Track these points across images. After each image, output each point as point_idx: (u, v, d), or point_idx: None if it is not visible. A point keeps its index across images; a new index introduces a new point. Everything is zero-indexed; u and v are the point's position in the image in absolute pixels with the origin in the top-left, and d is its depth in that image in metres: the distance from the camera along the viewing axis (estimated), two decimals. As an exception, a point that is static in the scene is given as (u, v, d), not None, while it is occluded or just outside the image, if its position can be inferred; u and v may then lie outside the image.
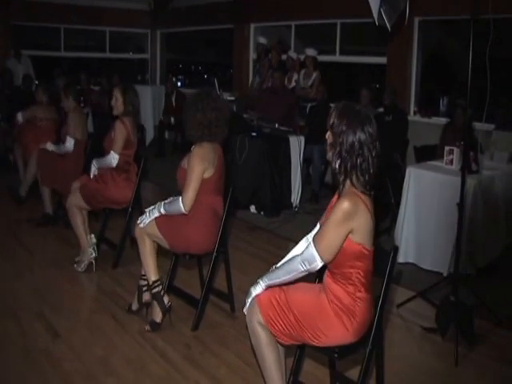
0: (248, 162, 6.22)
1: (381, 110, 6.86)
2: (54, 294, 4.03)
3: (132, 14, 11.31)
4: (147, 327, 3.49)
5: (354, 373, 2.77)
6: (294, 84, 7.80)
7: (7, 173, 7.05)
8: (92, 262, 4.42)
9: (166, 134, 10.06)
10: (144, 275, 3.56)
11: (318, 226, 2.55)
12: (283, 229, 5.65)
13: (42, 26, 10.81)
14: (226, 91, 8.84)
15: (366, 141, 2.21)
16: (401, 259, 4.54)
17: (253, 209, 6.26)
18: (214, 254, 3.51)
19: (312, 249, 2.27)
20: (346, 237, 2.23)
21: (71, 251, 4.67)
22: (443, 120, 6.44)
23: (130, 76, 11.83)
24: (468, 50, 3.34)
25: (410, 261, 4.64)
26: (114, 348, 3.30)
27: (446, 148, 4.70)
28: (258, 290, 2.48)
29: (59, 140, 5.48)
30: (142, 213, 3.59)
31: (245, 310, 2.52)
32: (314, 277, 2.63)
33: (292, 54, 8.18)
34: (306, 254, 2.30)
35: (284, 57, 8.24)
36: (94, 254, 4.42)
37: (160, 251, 3.63)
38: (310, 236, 2.58)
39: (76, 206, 4.35)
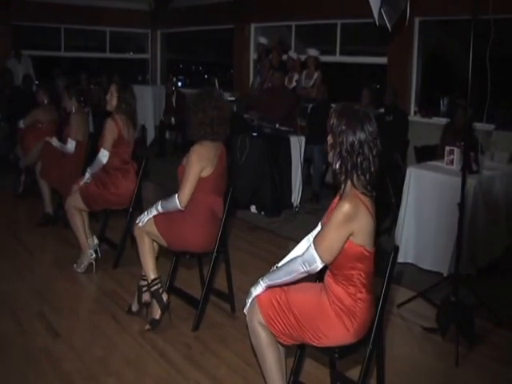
0: (248, 162, 6.22)
1: (381, 110, 6.86)
2: (54, 293, 4.03)
3: (132, 14, 11.30)
4: (147, 326, 3.49)
5: (354, 373, 2.77)
6: (294, 84, 7.80)
7: (7, 172, 7.07)
8: (92, 263, 4.42)
9: (167, 134, 10.08)
10: (144, 275, 3.55)
11: (319, 226, 2.55)
12: (284, 229, 5.65)
13: (42, 26, 10.81)
14: (226, 91, 8.84)
15: (367, 139, 2.21)
16: (401, 259, 4.53)
17: (253, 209, 6.26)
18: (215, 253, 3.51)
19: (312, 250, 2.27)
20: (347, 239, 2.23)
21: (71, 251, 4.67)
22: (443, 120, 6.43)
23: (131, 76, 11.83)
24: (468, 50, 3.33)
25: (410, 261, 4.63)
26: (114, 348, 3.30)
27: (447, 148, 4.70)
28: (258, 290, 2.48)
29: (60, 140, 5.48)
30: (142, 213, 3.60)
31: (245, 311, 2.52)
32: (314, 277, 2.63)
33: (292, 54, 8.18)
34: (306, 255, 2.30)
35: (284, 57, 8.24)
36: (93, 255, 4.42)
37: (161, 251, 3.63)
38: (311, 236, 2.58)
39: (75, 207, 4.34)
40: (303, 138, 6.38)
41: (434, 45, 7.77)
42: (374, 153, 2.23)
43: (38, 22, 10.58)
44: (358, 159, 2.22)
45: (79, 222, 4.36)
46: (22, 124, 6.15)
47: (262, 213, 6.15)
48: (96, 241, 4.50)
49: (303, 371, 2.90)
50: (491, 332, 3.59)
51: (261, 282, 2.48)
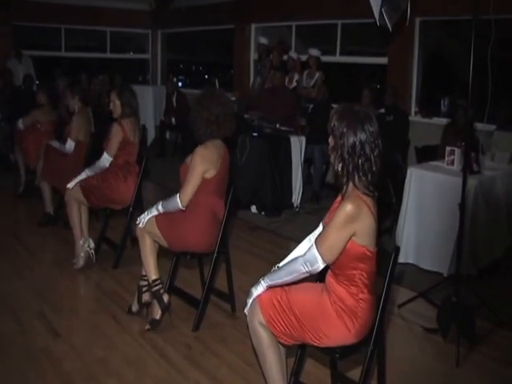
0: (249, 162, 6.22)
1: (382, 110, 6.85)
2: (54, 293, 4.03)
3: (133, 14, 11.30)
4: (147, 326, 3.49)
5: (355, 373, 2.77)
6: (294, 84, 7.80)
7: (8, 172, 7.07)
8: (90, 255, 4.45)
9: (167, 135, 10.07)
10: (144, 275, 3.55)
11: (320, 227, 2.55)
12: (284, 229, 5.65)
13: (42, 27, 10.81)
14: (226, 91, 8.82)
15: (368, 140, 2.21)
16: (401, 259, 4.53)
17: (254, 209, 6.26)
18: (215, 254, 3.51)
19: (314, 250, 2.27)
20: (349, 239, 2.23)
21: (71, 251, 4.65)
22: (444, 120, 6.43)
23: (131, 76, 11.83)
24: (469, 50, 3.33)
25: (411, 261, 4.63)
26: (114, 348, 3.29)
27: (447, 148, 4.69)
28: (259, 290, 2.47)
29: (60, 139, 5.49)
30: (143, 213, 3.60)
31: (246, 311, 2.52)
32: (315, 278, 2.62)
33: (293, 54, 8.18)
34: (308, 255, 2.30)
35: (285, 57, 8.24)
36: (90, 244, 4.45)
37: (161, 252, 3.63)
38: (313, 236, 2.58)
39: (75, 199, 4.36)
40: (304, 138, 6.38)
41: (435, 45, 7.77)
42: (376, 153, 2.23)
43: (38, 22, 10.58)
44: (360, 160, 2.22)
45: (75, 214, 4.39)
46: (21, 125, 6.15)
47: (263, 213, 6.14)
48: (92, 244, 4.50)
49: (304, 371, 2.90)
50: (492, 332, 3.59)
51: (262, 282, 2.47)
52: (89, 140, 5.39)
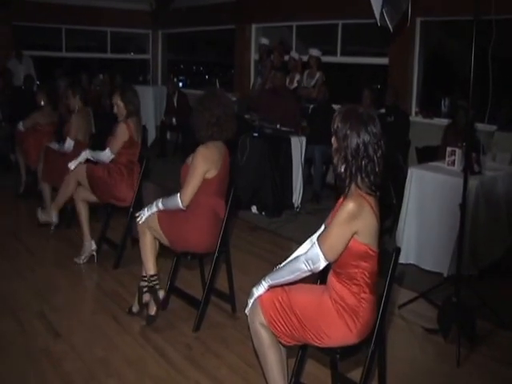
0: (249, 162, 6.22)
1: (382, 110, 6.85)
2: (54, 293, 4.03)
3: (133, 14, 11.30)
4: (143, 322, 3.49)
5: (355, 374, 2.77)
6: (295, 85, 7.80)
7: (8, 172, 7.07)
8: (93, 255, 4.50)
9: (168, 135, 10.06)
10: (145, 276, 3.55)
11: (322, 227, 2.55)
12: (285, 229, 5.65)
13: (43, 27, 10.80)
14: (227, 92, 8.82)
15: (371, 141, 2.22)
16: (402, 260, 4.52)
17: (254, 209, 6.26)
18: (216, 254, 3.51)
19: (316, 248, 2.27)
20: (351, 238, 2.24)
21: (72, 251, 4.67)
22: (445, 121, 6.42)
23: (132, 76, 11.83)
24: (470, 50, 3.33)
25: (412, 262, 4.62)
26: (114, 348, 3.29)
27: (448, 149, 4.69)
28: (260, 290, 2.47)
29: (60, 139, 5.49)
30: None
31: (247, 311, 2.51)
32: (316, 278, 2.62)
33: (294, 54, 8.18)
34: (310, 253, 2.30)
35: (286, 57, 8.24)
36: (94, 247, 4.53)
37: (162, 252, 3.63)
38: (315, 237, 2.58)
39: (82, 199, 4.44)
40: (304, 139, 6.38)
41: (436, 45, 7.76)
42: (379, 154, 2.25)
43: (38, 23, 10.57)
44: (363, 162, 2.23)
45: (83, 214, 4.48)
46: (21, 126, 6.15)
47: (263, 213, 6.14)
48: (94, 245, 4.55)
49: (304, 372, 2.90)
50: (493, 333, 3.58)
51: (263, 282, 2.47)
52: (88, 140, 5.40)
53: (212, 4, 10.13)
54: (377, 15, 3.54)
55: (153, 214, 3.45)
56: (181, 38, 12.14)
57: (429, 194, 4.52)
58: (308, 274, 2.35)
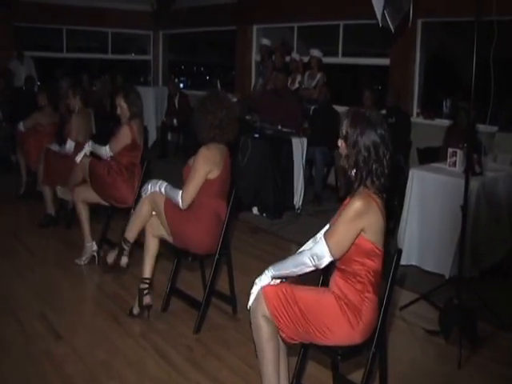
0: (250, 163, 6.21)
1: (383, 111, 6.84)
2: (55, 294, 4.02)
3: (134, 15, 11.29)
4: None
5: (357, 376, 2.77)
6: (297, 86, 7.79)
7: (9, 173, 7.07)
8: (94, 256, 4.52)
9: (169, 136, 10.06)
10: (145, 278, 3.55)
11: (327, 226, 2.55)
12: (286, 230, 5.64)
13: (44, 27, 10.80)
14: (228, 93, 8.81)
15: (380, 144, 2.25)
16: (404, 261, 4.51)
17: (255, 210, 6.25)
18: (217, 255, 3.51)
19: (322, 244, 2.28)
20: (358, 235, 2.25)
21: (73, 252, 4.67)
22: (446, 122, 6.42)
23: (133, 77, 11.83)
24: (471, 51, 3.32)
25: (413, 263, 4.62)
26: (116, 350, 3.28)
27: (450, 150, 4.68)
28: (263, 280, 2.46)
29: (60, 140, 5.49)
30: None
31: (250, 303, 2.48)
32: (318, 279, 2.62)
33: (295, 55, 8.18)
34: (315, 248, 2.31)
35: (287, 58, 8.24)
36: (95, 248, 4.54)
37: (163, 254, 3.62)
38: (318, 236, 2.58)
39: (83, 200, 4.44)
40: (305, 140, 6.37)
41: (437, 46, 7.75)
42: (388, 156, 2.27)
43: (40, 23, 10.56)
44: (374, 166, 2.25)
45: (84, 215, 4.46)
46: (22, 127, 6.15)
47: (264, 214, 6.14)
48: (95, 247, 4.56)
49: (305, 373, 2.89)
50: (494, 334, 3.58)
51: (266, 272, 2.46)
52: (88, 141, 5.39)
53: (213, 5, 10.12)
54: (378, 16, 3.54)
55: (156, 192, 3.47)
56: (182, 38, 12.14)
57: (430, 195, 4.51)
58: (311, 269, 2.34)
